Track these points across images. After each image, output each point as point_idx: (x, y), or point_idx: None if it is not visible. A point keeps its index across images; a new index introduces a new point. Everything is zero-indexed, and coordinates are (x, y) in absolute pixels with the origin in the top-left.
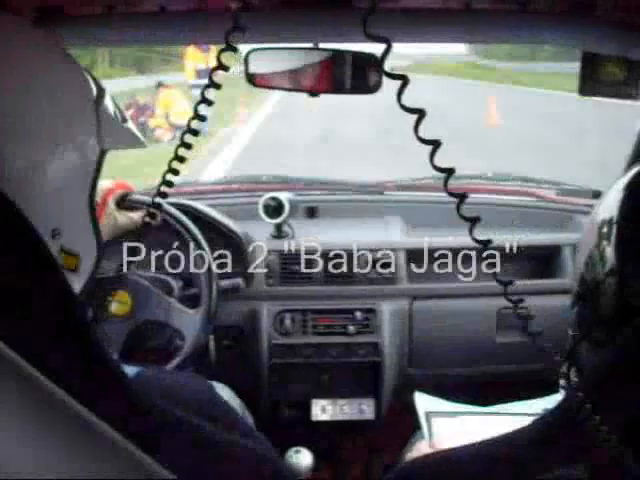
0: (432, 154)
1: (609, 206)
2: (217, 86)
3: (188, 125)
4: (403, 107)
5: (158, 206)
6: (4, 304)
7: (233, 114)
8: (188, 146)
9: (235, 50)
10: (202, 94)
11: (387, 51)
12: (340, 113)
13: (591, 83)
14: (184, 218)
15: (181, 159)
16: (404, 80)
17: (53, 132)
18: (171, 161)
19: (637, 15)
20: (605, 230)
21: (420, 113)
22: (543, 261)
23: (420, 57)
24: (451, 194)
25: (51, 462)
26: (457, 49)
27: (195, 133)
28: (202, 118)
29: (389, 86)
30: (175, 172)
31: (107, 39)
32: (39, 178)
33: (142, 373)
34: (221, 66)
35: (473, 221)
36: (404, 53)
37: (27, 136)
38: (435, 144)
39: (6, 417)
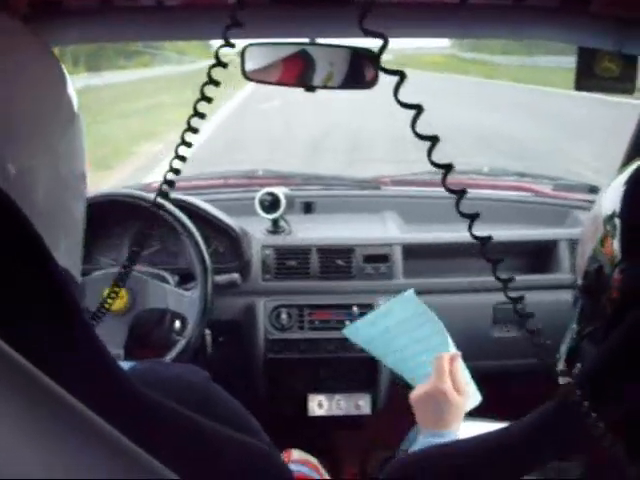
0: (430, 150)
1: (611, 200)
2: (216, 84)
3: (188, 123)
4: (400, 103)
5: (160, 206)
6: (4, 300)
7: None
8: (188, 145)
9: (232, 46)
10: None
11: (384, 47)
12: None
13: (587, 78)
14: (180, 213)
15: (182, 157)
16: (401, 76)
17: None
18: (171, 162)
19: (631, 10)
20: (608, 224)
21: (418, 109)
22: (539, 256)
23: (407, 50)
24: (450, 190)
25: (45, 459)
26: (442, 42)
27: (195, 131)
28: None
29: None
30: (177, 172)
31: (102, 34)
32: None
33: (136, 366)
34: (220, 63)
35: (472, 218)
36: (389, 47)
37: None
38: (433, 140)
39: (1, 413)
